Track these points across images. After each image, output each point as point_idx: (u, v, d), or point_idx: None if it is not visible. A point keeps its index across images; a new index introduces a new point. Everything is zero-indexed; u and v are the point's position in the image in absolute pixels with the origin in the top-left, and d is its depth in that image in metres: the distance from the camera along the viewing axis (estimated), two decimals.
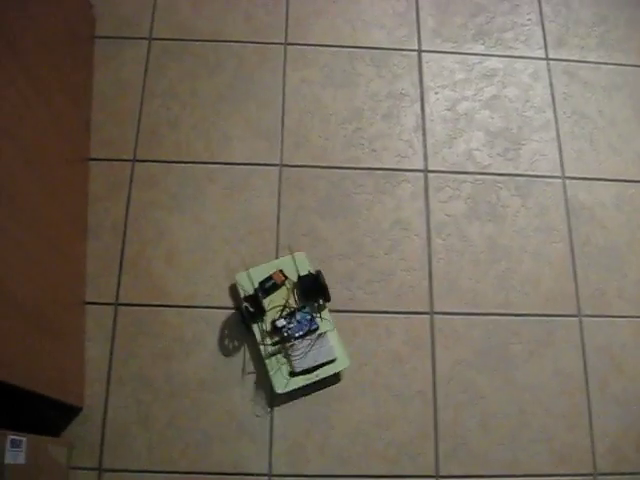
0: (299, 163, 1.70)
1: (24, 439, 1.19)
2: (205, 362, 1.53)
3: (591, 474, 1.54)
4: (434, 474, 1.50)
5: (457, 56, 1.86)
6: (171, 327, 1.56)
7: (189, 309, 1.57)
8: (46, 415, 1.47)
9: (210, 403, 1.51)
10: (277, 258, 1.61)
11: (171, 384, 1.51)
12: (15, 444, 1.16)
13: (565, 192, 1.75)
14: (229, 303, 1.58)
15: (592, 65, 1.90)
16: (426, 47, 1.86)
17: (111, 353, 1.53)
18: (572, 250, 1.69)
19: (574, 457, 1.55)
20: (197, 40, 1.82)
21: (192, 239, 1.62)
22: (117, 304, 1.57)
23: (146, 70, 1.78)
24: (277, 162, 1.70)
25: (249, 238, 1.63)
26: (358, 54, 1.83)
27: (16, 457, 1.16)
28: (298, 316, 1.54)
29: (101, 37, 1.81)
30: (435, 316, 1.61)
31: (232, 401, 1.51)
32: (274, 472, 1.47)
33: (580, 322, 1.64)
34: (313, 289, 1.55)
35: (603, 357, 1.62)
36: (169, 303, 1.57)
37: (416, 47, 1.86)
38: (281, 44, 1.83)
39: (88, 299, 1.57)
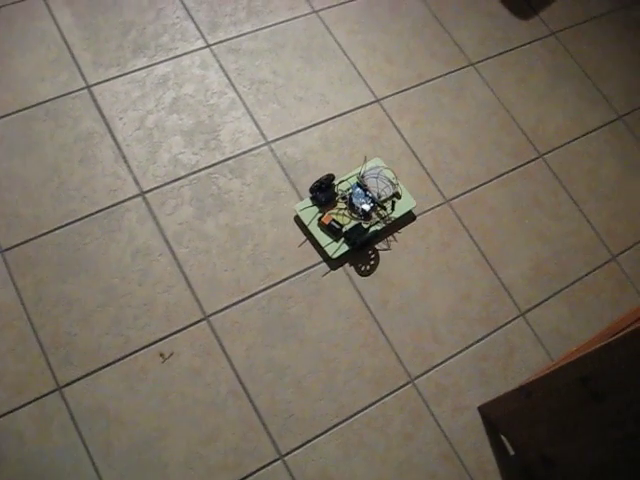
0: (18, 242, 1.63)
1: None
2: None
3: (409, 382, 1.67)
4: (278, 456, 1.54)
5: (125, 77, 1.87)
6: None
7: None
8: None
9: None
10: (38, 340, 1.54)
11: None
12: None
13: (275, 155, 1.84)
14: (17, 402, 1.50)
15: (250, 35, 2.00)
16: (93, 81, 1.85)
17: None
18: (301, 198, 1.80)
19: (388, 375, 1.66)
20: None
21: None
22: None
23: None
24: None
25: (3, 334, 1.55)
26: (31, 114, 1.78)
27: None
28: None
29: None
30: (211, 318, 1.63)
31: None
32: None
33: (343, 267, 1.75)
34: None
35: (374, 282, 1.74)
36: None
37: (84, 84, 1.84)
38: None
39: None
